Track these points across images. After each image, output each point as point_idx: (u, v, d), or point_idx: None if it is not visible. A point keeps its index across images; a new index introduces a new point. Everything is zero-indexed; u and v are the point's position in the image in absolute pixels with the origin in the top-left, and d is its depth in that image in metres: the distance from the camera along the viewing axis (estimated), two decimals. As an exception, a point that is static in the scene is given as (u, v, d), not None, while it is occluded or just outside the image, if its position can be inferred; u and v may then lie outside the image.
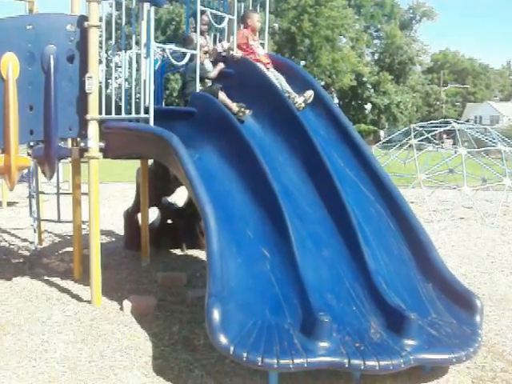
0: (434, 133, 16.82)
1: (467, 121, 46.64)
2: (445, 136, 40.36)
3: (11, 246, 9.05)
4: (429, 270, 5.17)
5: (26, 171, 8.67)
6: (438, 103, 70.16)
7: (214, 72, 6.60)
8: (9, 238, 9.65)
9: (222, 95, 6.21)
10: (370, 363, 4.03)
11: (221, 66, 6.71)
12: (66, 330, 5.34)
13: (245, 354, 3.97)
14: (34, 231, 8.85)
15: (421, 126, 17.04)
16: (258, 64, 6.71)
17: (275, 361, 3.95)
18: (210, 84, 6.56)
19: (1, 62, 5.66)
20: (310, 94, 6.40)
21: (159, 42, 6.32)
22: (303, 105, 6.37)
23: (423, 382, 4.41)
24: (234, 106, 6.12)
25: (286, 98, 6.27)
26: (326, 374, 4.32)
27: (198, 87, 6.32)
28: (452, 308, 4.87)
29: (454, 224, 11.85)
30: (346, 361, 4.04)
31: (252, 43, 6.95)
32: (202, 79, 6.43)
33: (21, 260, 8.11)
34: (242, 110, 6.12)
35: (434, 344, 4.36)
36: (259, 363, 3.95)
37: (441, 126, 16.91)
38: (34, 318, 5.66)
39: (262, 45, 7.23)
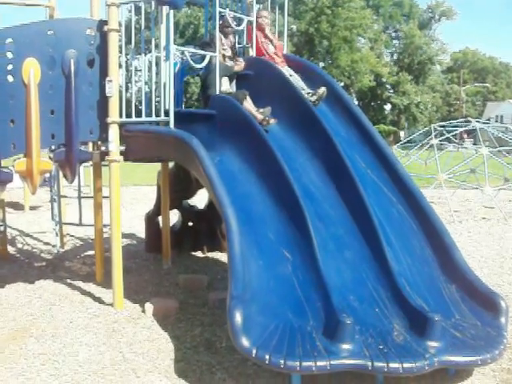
0: (454, 133, 16.66)
1: (488, 120, 46.18)
2: (465, 136, 40.07)
3: (34, 250, 9.12)
4: (452, 271, 5.11)
5: (47, 175, 8.74)
6: (458, 103, 69.52)
7: (238, 65, 6.61)
8: (31, 242, 9.73)
9: (247, 104, 6.19)
10: (393, 365, 3.99)
11: (243, 63, 6.72)
12: (89, 333, 5.37)
13: (267, 357, 3.95)
14: (56, 235, 8.92)
15: (441, 126, 16.90)
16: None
17: (298, 363, 3.93)
18: (233, 86, 6.58)
19: (22, 67, 5.71)
20: (322, 90, 6.43)
21: (178, 45, 6.34)
22: (317, 102, 6.38)
23: (448, 384, 4.36)
24: (259, 115, 6.10)
25: (306, 99, 6.26)
26: (349, 376, 4.29)
27: (227, 89, 6.35)
28: (476, 309, 4.81)
29: (477, 224, 11.72)
30: (369, 363, 4.01)
31: (262, 40, 6.97)
32: (227, 76, 6.45)
33: (43, 263, 8.17)
34: (266, 118, 6.09)
35: (458, 346, 4.30)
36: (281, 365, 3.93)
37: (461, 126, 16.76)
38: (56, 320, 5.70)
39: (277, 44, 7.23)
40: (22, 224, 11.43)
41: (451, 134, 16.15)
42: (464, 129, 16.85)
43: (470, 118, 17.70)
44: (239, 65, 6.72)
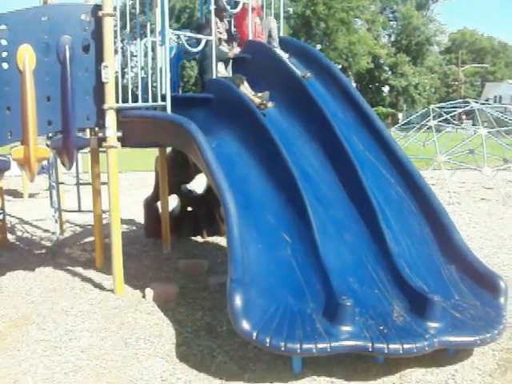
0: (453, 114, 16.62)
1: (487, 100, 46.07)
2: (464, 116, 40.01)
3: (33, 237, 9.13)
4: (451, 251, 5.12)
5: (45, 162, 8.72)
6: (456, 83, 69.25)
7: (231, 51, 6.56)
8: (31, 229, 9.74)
9: (244, 88, 6.17)
10: (393, 346, 4.02)
11: (237, 48, 6.67)
12: (90, 319, 5.38)
13: (268, 340, 3.97)
14: (56, 222, 8.93)
15: (439, 107, 16.86)
16: None
17: (298, 346, 3.95)
18: (229, 71, 6.54)
19: (17, 54, 5.67)
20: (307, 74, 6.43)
21: (174, 30, 6.30)
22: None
23: (448, 364, 4.38)
24: (256, 99, 6.07)
25: (303, 83, 6.22)
26: (349, 358, 4.31)
27: (223, 74, 6.31)
28: (475, 290, 4.82)
29: (476, 205, 11.73)
30: (369, 344, 4.03)
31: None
32: (222, 61, 6.42)
33: (43, 251, 8.19)
34: (264, 102, 6.07)
35: (457, 326, 4.32)
36: (282, 348, 3.95)
37: (460, 107, 16.71)
38: (57, 307, 5.72)
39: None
40: (21, 212, 11.43)
41: (449, 115, 16.10)
42: (462, 110, 16.80)
43: (468, 99, 17.65)
44: (232, 50, 6.66)
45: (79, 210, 8.57)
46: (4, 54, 5.70)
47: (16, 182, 14.25)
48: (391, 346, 4.02)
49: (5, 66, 5.70)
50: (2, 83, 5.67)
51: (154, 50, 6.21)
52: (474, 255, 5.12)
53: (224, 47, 6.59)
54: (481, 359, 4.50)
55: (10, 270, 7.02)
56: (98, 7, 5.91)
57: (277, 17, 7.59)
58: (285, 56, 6.77)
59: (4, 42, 5.69)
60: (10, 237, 8.86)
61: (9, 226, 9.57)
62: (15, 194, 13.70)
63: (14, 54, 5.66)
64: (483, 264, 5.06)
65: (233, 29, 7.22)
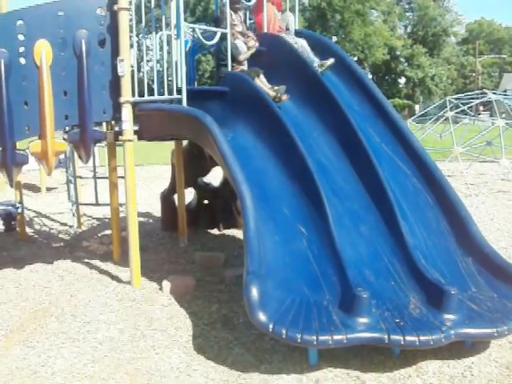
0: (470, 105, 16.48)
1: (504, 91, 45.53)
2: (481, 108, 39.65)
3: (51, 231, 9.22)
4: (468, 244, 5.09)
5: (62, 156, 8.80)
6: (473, 74, 68.66)
7: (243, 55, 6.53)
8: (49, 223, 9.83)
9: (259, 81, 6.16)
10: (409, 338, 4.00)
11: (252, 50, 6.63)
12: (108, 312, 5.43)
13: (284, 331, 3.97)
14: (73, 215, 9.02)
15: (457, 98, 16.72)
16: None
17: (314, 337, 3.95)
18: (244, 63, 6.52)
19: (34, 49, 5.72)
20: (331, 61, 6.46)
21: (189, 23, 6.31)
22: (320, 70, 6.40)
23: (465, 357, 4.36)
24: (271, 92, 6.07)
25: (318, 75, 6.21)
26: (365, 350, 4.32)
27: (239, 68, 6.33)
28: (493, 282, 4.79)
29: (493, 197, 11.65)
30: (385, 336, 4.02)
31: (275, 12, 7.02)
32: (233, 59, 6.40)
33: (61, 244, 8.26)
34: (279, 95, 6.07)
35: (474, 318, 4.30)
36: (298, 340, 3.96)
37: (477, 98, 16.56)
38: (75, 300, 5.77)
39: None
40: (39, 205, 11.54)
41: (466, 106, 15.96)
42: (480, 101, 16.65)
43: (485, 90, 17.48)
44: (244, 55, 6.59)
45: (96, 204, 8.64)
46: (21, 49, 5.76)
47: (34, 176, 14.39)
48: (407, 338, 4.01)
49: (22, 61, 5.76)
50: (19, 78, 5.73)
51: (169, 43, 6.22)
52: (491, 247, 5.09)
53: (241, 44, 6.54)
54: (498, 351, 4.48)
55: (29, 263, 7.10)
56: (113, 1, 5.93)
57: (292, 9, 7.57)
58: (305, 44, 6.71)
59: (21, 38, 5.75)
60: (28, 230, 8.95)
61: (27, 219, 9.67)
62: (33, 188, 13.83)
63: (31, 49, 5.72)
64: (500, 256, 5.03)
65: (248, 21, 7.21)
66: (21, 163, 5.97)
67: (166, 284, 5.97)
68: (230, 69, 6.31)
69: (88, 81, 5.92)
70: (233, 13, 6.56)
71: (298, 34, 7.08)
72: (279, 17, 7.26)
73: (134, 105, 6.10)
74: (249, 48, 6.53)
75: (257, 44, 6.62)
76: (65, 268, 6.88)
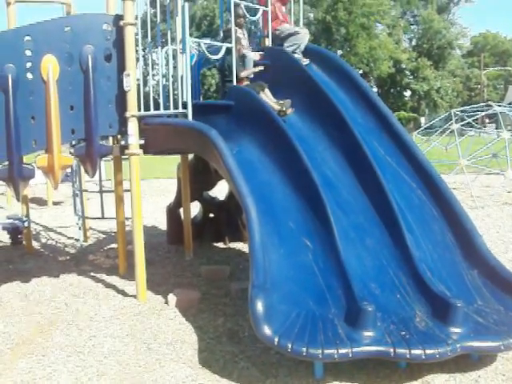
0: (475, 117, 16.49)
1: (510, 104, 45.56)
2: (487, 120, 39.63)
3: (58, 244, 9.24)
4: (474, 256, 5.08)
5: (69, 170, 8.84)
6: (479, 87, 68.69)
7: (243, 73, 6.58)
8: (55, 237, 9.86)
9: (264, 95, 6.21)
10: (415, 352, 3.99)
11: (252, 70, 6.67)
12: (113, 325, 5.43)
13: (289, 345, 3.97)
14: (79, 229, 9.04)
15: (462, 111, 16.72)
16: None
17: (320, 351, 3.95)
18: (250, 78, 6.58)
19: (41, 64, 5.78)
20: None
21: (195, 38, 6.36)
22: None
23: (471, 370, 4.34)
24: (276, 106, 6.11)
25: (324, 88, 6.23)
26: (371, 363, 4.30)
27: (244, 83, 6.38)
28: (499, 295, 4.78)
29: (499, 209, 11.62)
30: (391, 350, 4.01)
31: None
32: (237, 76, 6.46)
33: (67, 257, 8.28)
34: (284, 109, 6.11)
35: (481, 331, 4.29)
36: (304, 353, 3.95)
37: (482, 110, 16.56)
38: (81, 313, 5.78)
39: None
40: (45, 219, 11.58)
41: (472, 118, 15.97)
42: (485, 113, 16.65)
43: (490, 102, 17.48)
44: (244, 72, 6.63)
45: (102, 217, 8.66)
46: (28, 65, 5.82)
47: (41, 189, 14.45)
48: (413, 352, 4.00)
49: (29, 76, 5.82)
50: (26, 93, 5.78)
51: (175, 58, 6.27)
52: (496, 260, 5.08)
53: (250, 57, 6.59)
54: (504, 365, 4.46)
55: (36, 276, 7.12)
56: (119, 17, 6.00)
57: (297, 23, 7.62)
58: (305, 61, 6.79)
59: (28, 53, 5.81)
60: (34, 244, 8.98)
61: (34, 233, 9.70)
62: (40, 201, 13.88)
63: (38, 65, 5.78)
64: (506, 269, 5.01)
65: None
66: (28, 177, 6.01)
67: (172, 297, 5.97)
68: (234, 83, 6.34)
69: (94, 95, 5.97)
70: (238, 28, 6.62)
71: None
72: (283, 9, 7.34)
73: (140, 119, 6.14)
74: (255, 65, 6.61)
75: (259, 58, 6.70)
76: (71, 282, 6.90)
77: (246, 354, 4.70)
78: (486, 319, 4.44)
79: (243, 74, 6.53)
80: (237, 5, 6.68)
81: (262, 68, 6.67)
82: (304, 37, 7.04)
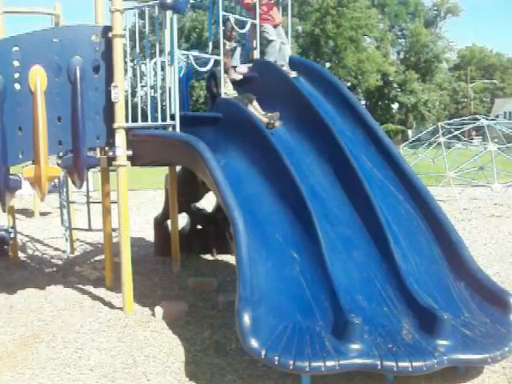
0: (462, 130, 16.62)
1: (496, 117, 45.92)
2: (474, 133, 39.93)
3: (44, 256, 9.18)
4: (460, 269, 5.10)
5: (56, 181, 8.80)
6: (466, 100, 69.24)
7: (235, 75, 6.62)
8: (42, 248, 9.79)
9: (252, 107, 6.23)
10: (402, 364, 4.00)
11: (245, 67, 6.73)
12: (100, 338, 5.39)
13: (276, 358, 3.96)
14: (66, 240, 8.98)
15: (449, 124, 16.85)
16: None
17: (307, 364, 3.94)
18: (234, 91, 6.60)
19: (29, 75, 5.76)
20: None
21: (183, 50, 6.38)
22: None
23: (458, 382, 4.35)
24: (264, 118, 6.14)
25: (311, 101, 6.26)
26: (358, 376, 4.30)
27: (232, 95, 6.39)
28: (485, 307, 4.79)
29: (486, 222, 11.68)
30: (378, 362, 4.02)
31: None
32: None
33: (54, 269, 8.23)
34: (272, 122, 6.13)
35: (467, 344, 4.30)
36: (291, 366, 3.95)
37: (469, 123, 16.69)
38: (67, 325, 5.74)
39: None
40: (32, 230, 11.50)
41: (459, 131, 16.09)
42: (471, 126, 16.78)
43: (477, 115, 17.63)
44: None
45: (89, 229, 8.62)
46: (16, 75, 5.81)
47: (27, 200, 14.36)
48: (400, 364, 4.00)
49: (17, 86, 5.81)
50: (14, 104, 5.76)
51: (163, 69, 6.28)
52: (483, 272, 5.10)
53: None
54: (491, 377, 4.46)
55: (21, 288, 7.06)
56: (108, 28, 6.00)
57: (285, 35, 7.66)
58: (293, 74, 6.83)
59: (16, 64, 5.80)
60: (21, 255, 8.92)
61: (20, 244, 9.63)
62: (26, 212, 13.80)
63: (26, 75, 5.76)
64: (493, 281, 5.04)
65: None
66: (14, 188, 5.97)
67: (159, 310, 5.94)
68: (222, 95, 6.36)
69: (82, 107, 5.95)
70: (227, 41, 6.65)
71: (290, 60, 7.16)
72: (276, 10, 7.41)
73: (128, 130, 6.13)
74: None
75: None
76: (57, 293, 6.85)
77: (233, 367, 4.68)
78: (472, 332, 4.46)
79: (235, 76, 6.61)
80: (226, 18, 6.71)
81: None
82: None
